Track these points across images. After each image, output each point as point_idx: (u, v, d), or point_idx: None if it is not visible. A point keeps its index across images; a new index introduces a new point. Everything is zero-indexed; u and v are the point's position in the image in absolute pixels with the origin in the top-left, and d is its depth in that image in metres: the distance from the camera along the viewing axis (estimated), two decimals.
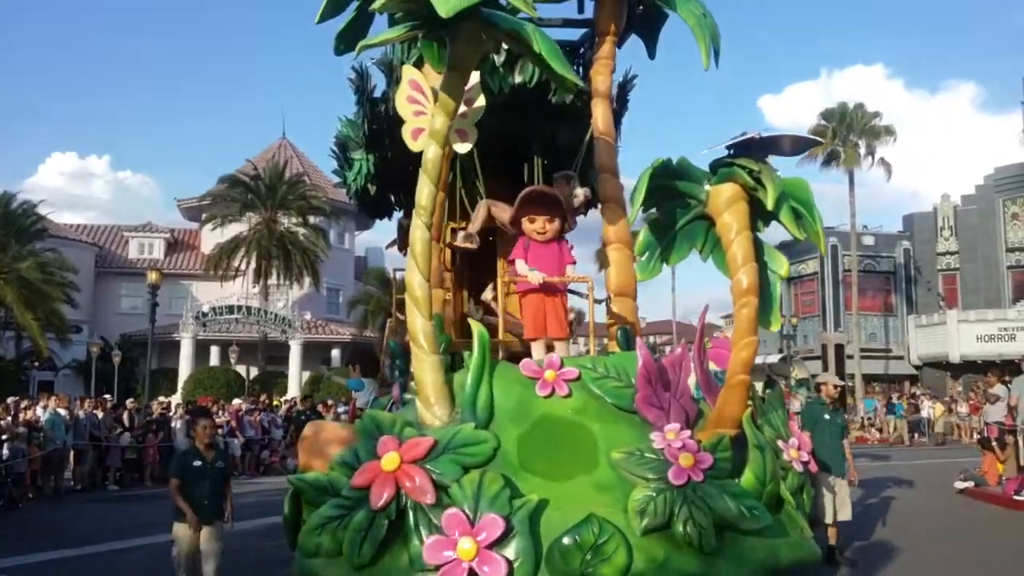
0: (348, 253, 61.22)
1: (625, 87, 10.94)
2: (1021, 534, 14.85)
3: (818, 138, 8.92)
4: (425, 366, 6.65)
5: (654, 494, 5.97)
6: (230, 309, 47.63)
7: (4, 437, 19.40)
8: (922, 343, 55.32)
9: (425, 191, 6.74)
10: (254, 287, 48.21)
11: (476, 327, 6.88)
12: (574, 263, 8.03)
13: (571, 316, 9.20)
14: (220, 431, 23.07)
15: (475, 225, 10.01)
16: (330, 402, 32.04)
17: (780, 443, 7.03)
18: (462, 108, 7.48)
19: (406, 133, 8.05)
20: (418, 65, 8.70)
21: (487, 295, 10.74)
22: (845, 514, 12.02)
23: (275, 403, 35.85)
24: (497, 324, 8.44)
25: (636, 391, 6.62)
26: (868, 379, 53.37)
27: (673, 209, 7.07)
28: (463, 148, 8.46)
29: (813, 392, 30.66)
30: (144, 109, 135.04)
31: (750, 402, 6.76)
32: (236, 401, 31.45)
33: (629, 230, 8.52)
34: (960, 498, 19.01)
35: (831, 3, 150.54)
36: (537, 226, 7.85)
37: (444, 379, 6.69)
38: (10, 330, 42.77)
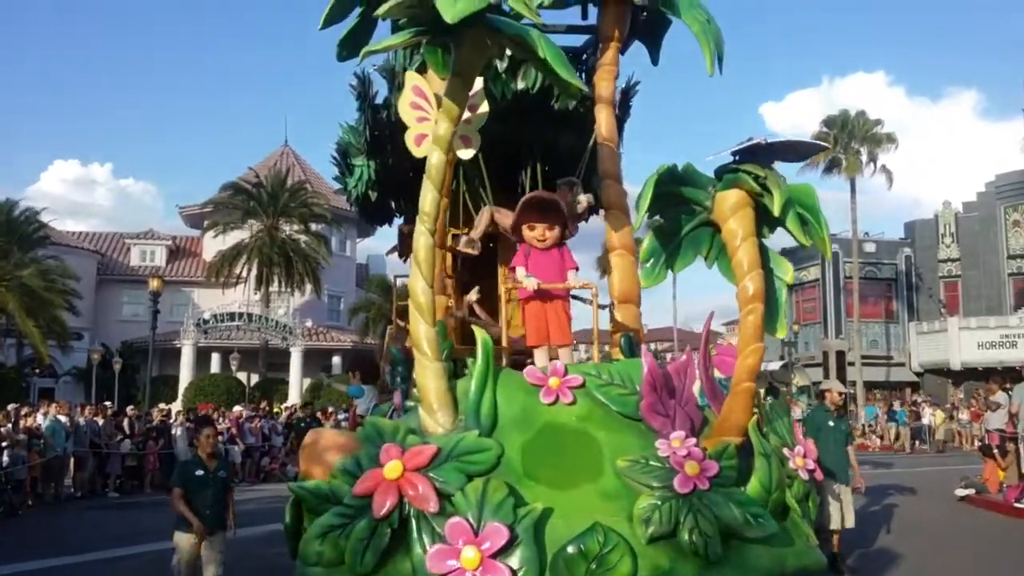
0: (349, 260, 61.31)
1: (628, 93, 10.93)
2: (1022, 542, 14.83)
3: (823, 144, 8.89)
4: (428, 373, 6.60)
5: (659, 502, 5.92)
6: (231, 316, 47.74)
7: (4, 444, 19.41)
8: (923, 350, 55.32)
9: (429, 197, 6.71)
10: (255, 294, 48.30)
11: (480, 333, 6.84)
12: (576, 269, 7.99)
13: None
14: (220, 438, 23.02)
15: (478, 230, 9.98)
16: (331, 409, 32.04)
17: (786, 451, 6.99)
18: (466, 114, 7.45)
19: (409, 139, 8.03)
20: (421, 71, 8.66)
21: (471, 297, 10.72)
22: (849, 521, 12.02)
23: (276, 410, 35.89)
24: (481, 327, 8.42)
25: (641, 398, 6.58)
26: (869, 386, 53.35)
27: (678, 215, 7.04)
28: (467, 154, 8.44)
29: (814, 399, 30.78)
30: (146, 117, 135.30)
31: (755, 410, 6.72)
32: (237, 408, 31.50)
33: (632, 236, 8.50)
34: (961, 505, 19.03)
35: (832, 10, 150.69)
36: (537, 233, 7.82)
37: (447, 386, 6.65)
38: (11, 337, 42.81)
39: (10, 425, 20.40)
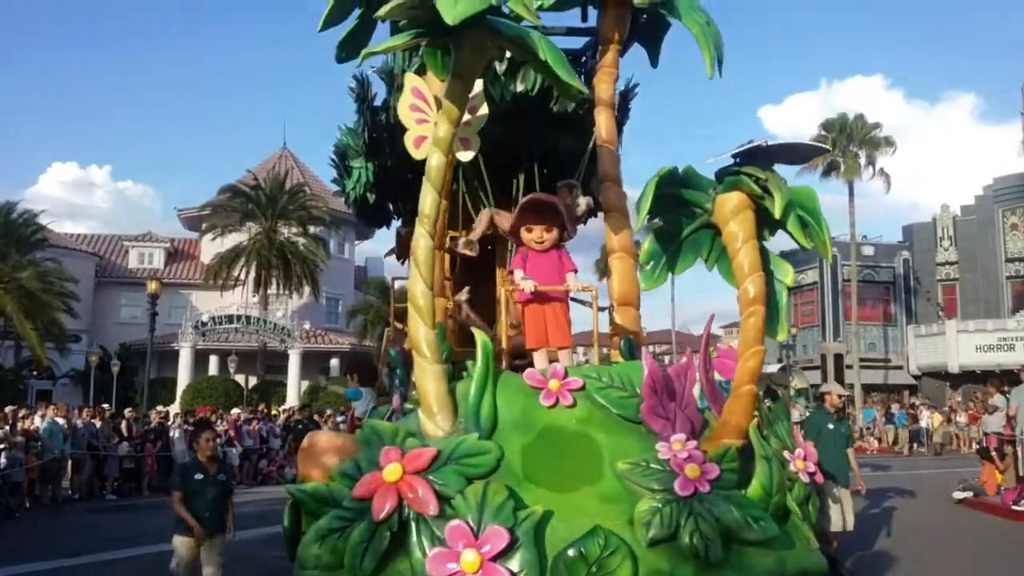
0: (348, 263, 61.36)
1: (626, 96, 10.93)
2: (1020, 544, 14.84)
3: (824, 146, 8.86)
4: (428, 375, 6.58)
5: (660, 505, 5.89)
6: (229, 319, 47.79)
7: (2, 446, 19.41)
8: (921, 353, 55.42)
9: (428, 199, 6.69)
10: (253, 296, 48.34)
11: (480, 336, 6.82)
12: (575, 271, 7.97)
13: None
14: (218, 440, 23.02)
15: (476, 232, 9.97)
16: (328, 411, 32.04)
17: (786, 454, 6.98)
18: (465, 116, 7.44)
19: (408, 141, 8.00)
20: (420, 73, 8.64)
21: (461, 297, 10.72)
22: (849, 524, 12.03)
23: (274, 412, 35.88)
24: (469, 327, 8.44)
25: (641, 401, 6.56)
26: (867, 389, 53.43)
27: (679, 218, 7.02)
28: (466, 156, 8.42)
29: (812, 402, 30.85)
30: (145, 119, 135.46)
31: (756, 412, 6.70)
32: (235, 410, 31.49)
33: (632, 239, 8.48)
34: (959, 508, 19.08)
35: (831, 14, 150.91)
36: (534, 236, 7.80)
37: (447, 389, 6.63)
38: (9, 339, 42.85)
39: (8, 427, 20.38)
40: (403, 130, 8.20)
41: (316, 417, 31.01)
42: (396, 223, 13.49)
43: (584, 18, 9.46)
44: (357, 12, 6.39)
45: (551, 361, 7.56)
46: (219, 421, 27.86)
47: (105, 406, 29.96)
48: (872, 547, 13.83)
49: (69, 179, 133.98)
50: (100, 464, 24.19)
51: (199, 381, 47.29)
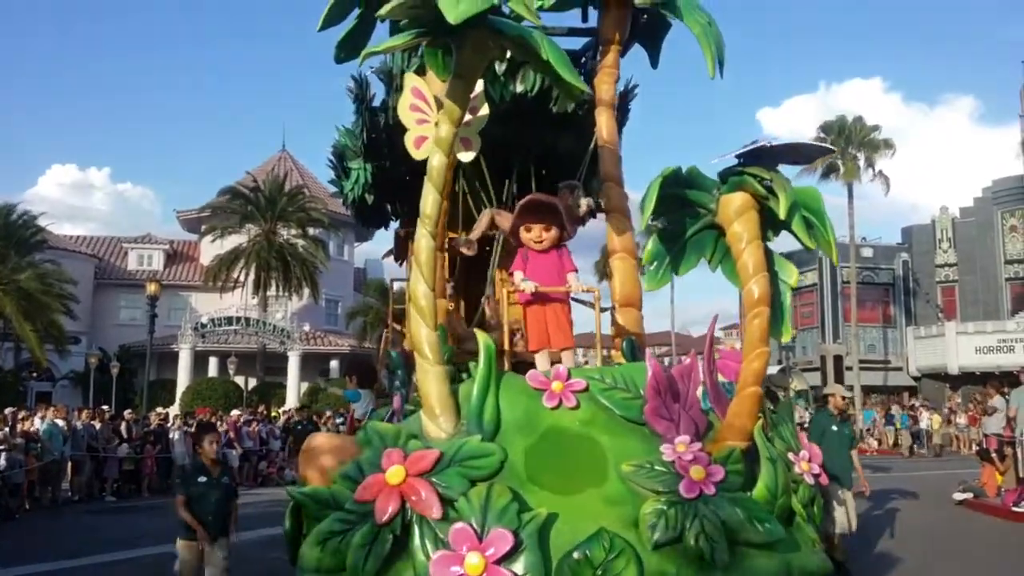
0: (347, 264, 61.41)
1: (626, 96, 10.90)
2: (1021, 546, 14.84)
3: (829, 146, 8.83)
4: (430, 377, 6.54)
5: (665, 507, 5.85)
6: (229, 320, 47.84)
7: (2, 448, 19.42)
8: (921, 354, 55.48)
9: (430, 200, 6.65)
10: (253, 298, 48.38)
11: (482, 337, 6.78)
12: (575, 271, 7.94)
13: None
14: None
15: (476, 232, 9.95)
16: (328, 413, 32.03)
17: (791, 455, 6.94)
18: (466, 116, 7.41)
19: (409, 141, 7.97)
20: (419, 73, 8.62)
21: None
22: (852, 525, 12.03)
23: (273, 414, 35.86)
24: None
25: (645, 402, 6.52)
26: (867, 390, 53.45)
27: (682, 218, 6.97)
28: (467, 157, 8.39)
29: (812, 403, 30.86)
30: (144, 121, 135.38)
31: (760, 414, 6.66)
32: (234, 412, 31.45)
33: (634, 240, 8.46)
34: (959, 509, 19.10)
35: (829, 17, 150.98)
36: (533, 235, 7.76)
37: (449, 390, 6.59)
38: (9, 341, 42.86)
39: (7, 429, 20.38)
40: (402, 131, 8.18)
41: (315, 418, 31.02)
42: (394, 224, 13.47)
43: (585, 18, 9.42)
44: (356, 12, 6.35)
45: (553, 363, 7.54)
46: (219, 423, 27.81)
47: (105, 408, 29.95)
48: (873, 548, 13.83)
49: (68, 181, 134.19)
50: (100, 466, 24.17)
51: (199, 383, 47.30)
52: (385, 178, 11.54)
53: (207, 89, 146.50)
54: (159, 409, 34.94)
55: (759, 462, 6.45)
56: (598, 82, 8.62)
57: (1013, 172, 55.85)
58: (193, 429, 26.38)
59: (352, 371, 12.31)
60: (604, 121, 8.53)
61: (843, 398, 13.45)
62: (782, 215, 6.30)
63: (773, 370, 18.47)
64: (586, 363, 8.44)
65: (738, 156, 6.60)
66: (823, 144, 10.57)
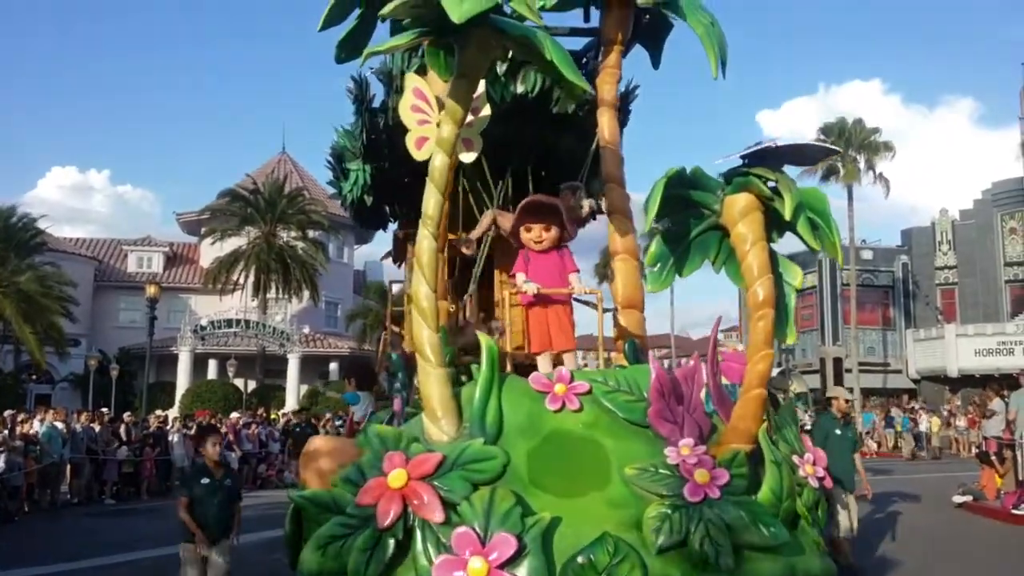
0: (347, 267, 61.42)
1: (627, 97, 10.87)
2: (1020, 548, 14.83)
3: (834, 147, 8.77)
4: (432, 379, 6.49)
5: (669, 511, 5.80)
6: (228, 323, 47.85)
7: (1, 450, 19.35)
8: (920, 357, 55.47)
9: (432, 201, 6.59)
10: (253, 301, 48.36)
11: (484, 340, 6.74)
12: (577, 271, 7.92)
13: None
14: None
15: (477, 231, 9.92)
16: (328, 415, 32.01)
17: (795, 458, 6.90)
18: (468, 117, 7.37)
19: (410, 142, 7.93)
20: (420, 73, 8.58)
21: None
22: (853, 528, 12.04)
23: (273, 416, 35.86)
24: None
25: (648, 405, 6.48)
26: (866, 393, 53.44)
27: (686, 219, 6.93)
28: (468, 157, 8.35)
29: (812, 406, 30.83)
30: (144, 123, 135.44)
31: (765, 417, 6.62)
32: (234, 415, 31.43)
33: (636, 241, 8.41)
34: (959, 512, 19.10)
35: (829, 18, 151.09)
36: (533, 235, 7.73)
37: (451, 393, 6.53)
38: (8, 343, 42.83)
39: (7, 431, 20.35)
40: (402, 132, 8.14)
41: (313, 421, 31.00)
42: (393, 226, 13.45)
43: (587, 18, 9.39)
44: (357, 12, 6.32)
45: (555, 365, 7.50)
46: (218, 425, 27.80)
47: (104, 410, 29.90)
48: (873, 550, 13.81)
49: (68, 183, 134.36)
50: (99, 468, 24.16)
51: (198, 385, 47.30)
52: (384, 179, 11.52)
53: (207, 89, 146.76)
54: (158, 412, 34.97)
55: (763, 465, 6.41)
56: (600, 82, 8.57)
57: (1013, 174, 55.88)
58: (193, 432, 26.47)
59: (351, 373, 12.28)
60: (606, 122, 8.48)
61: (846, 401, 13.43)
62: (788, 216, 6.26)
63: (773, 373, 18.51)
64: (584, 365, 8.36)
65: (742, 157, 6.56)
66: (828, 145, 10.49)
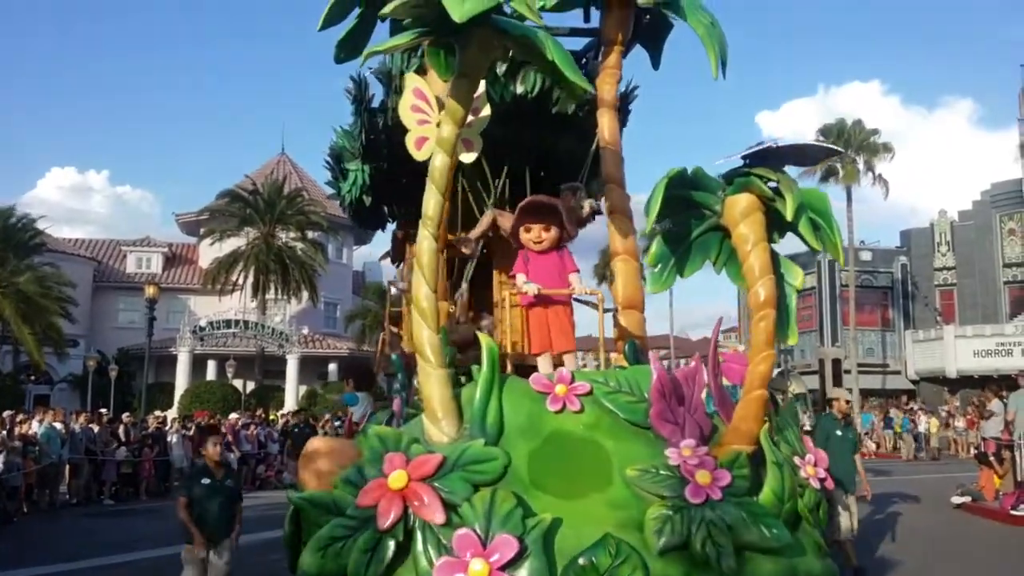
0: (346, 268, 61.38)
1: (626, 98, 10.85)
2: (1019, 549, 14.84)
3: (836, 147, 8.73)
4: (432, 380, 6.46)
5: (671, 512, 5.78)
6: (227, 323, 47.82)
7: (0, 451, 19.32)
8: (919, 358, 55.48)
9: (432, 201, 6.57)
10: (252, 301, 48.34)
11: (484, 340, 6.71)
12: (577, 271, 7.91)
13: None
14: None
15: (476, 231, 9.90)
16: (327, 416, 32.00)
17: (796, 459, 6.88)
18: (468, 117, 7.35)
19: (410, 142, 7.91)
20: (419, 73, 8.56)
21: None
22: (853, 529, 12.05)
23: (272, 417, 35.83)
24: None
25: (649, 406, 6.45)
26: (865, 394, 53.42)
27: (687, 220, 6.91)
28: (468, 158, 8.33)
29: (809, 407, 30.83)
30: (143, 124, 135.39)
31: (766, 418, 6.60)
32: (232, 415, 31.38)
33: (636, 241, 8.40)
34: (957, 513, 19.11)
35: (829, 19, 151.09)
36: (532, 235, 7.72)
37: (452, 394, 6.51)
38: (7, 344, 42.79)
39: (5, 432, 20.34)
40: (400, 132, 8.12)
41: (312, 422, 30.98)
42: (391, 226, 13.42)
43: (587, 19, 9.38)
44: (357, 12, 6.30)
45: (555, 366, 7.48)
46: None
47: (103, 411, 29.83)
48: (872, 551, 13.81)
49: (67, 184, 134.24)
50: (98, 469, 24.14)
51: (197, 386, 47.25)
52: (383, 179, 11.49)
53: (207, 89, 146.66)
54: (157, 412, 34.93)
55: (765, 466, 6.40)
56: (600, 83, 8.56)
57: (1012, 176, 55.93)
58: (192, 432, 26.51)
59: (349, 374, 12.28)
60: (606, 122, 8.48)
61: (847, 402, 13.44)
62: (789, 217, 6.25)
63: (772, 374, 18.53)
64: (583, 366, 8.33)
65: (744, 157, 6.55)
66: (829, 145, 10.47)
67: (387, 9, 5.66)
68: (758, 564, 5.91)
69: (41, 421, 22.80)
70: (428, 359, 6.49)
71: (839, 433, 12.33)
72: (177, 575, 9.22)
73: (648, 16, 8.84)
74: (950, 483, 21.68)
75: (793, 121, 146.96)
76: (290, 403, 46.17)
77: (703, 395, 6.73)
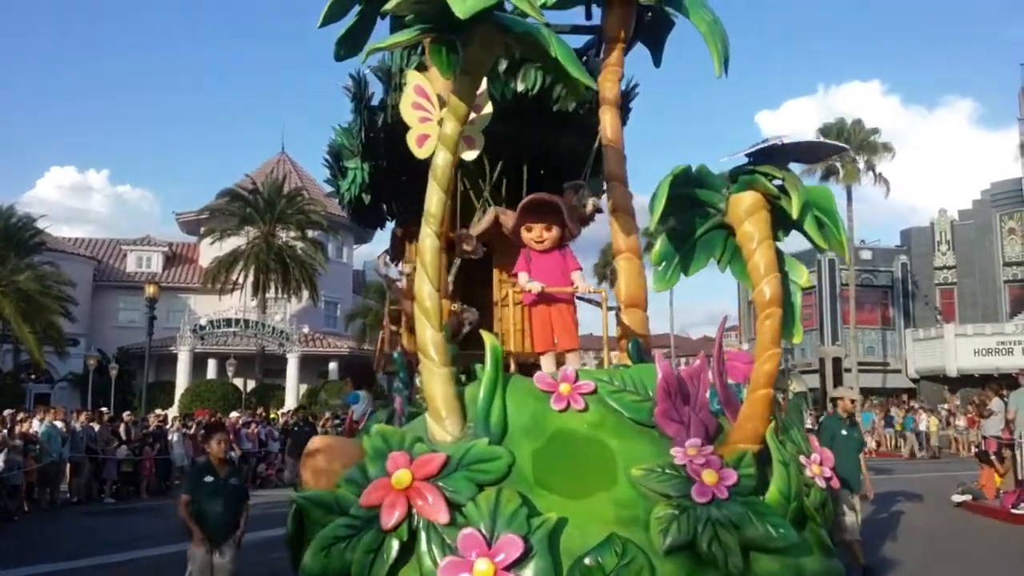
0: (346, 266, 61.47)
1: (627, 96, 10.81)
2: (1019, 547, 14.85)
3: (842, 145, 8.69)
4: (436, 379, 6.40)
5: (677, 512, 5.73)
6: (228, 322, 47.88)
7: (0, 449, 19.32)
8: (920, 357, 55.54)
9: (435, 198, 6.52)
10: (252, 300, 48.39)
11: (488, 338, 6.68)
12: (580, 269, 7.89)
13: None
14: None
15: (478, 228, 9.86)
16: (327, 415, 32.02)
17: (802, 458, 6.84)
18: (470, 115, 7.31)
19: (411, 140, 7.86)
20: (419, 71, 8.52)
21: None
22: (857, 529, 12.03)
23: (272, 416, 35.86)
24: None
25: (654, 405, 6.41)
26: (865, 392, 53.44)
27: (692, 218, 6.87)
28: (470, 155, 8.29)
29: (810, 405, 30.81)
30: (143, 123, 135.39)
31: (772, 417, 6.56)
32: (233, 414, 31.42)
33: (639, 240, 8.37)
34: (958, 511, 19.13)
35: (829, 18, 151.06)
36: (534, 235, 7.71)
37: (455, 392, 6.47)
38: (7, 343, 42.85)
39: (6, 431, 20.35)
40: (400, 130, 8.08)
41: (311, 420, 30.99)
42: (391, 224, 13.39)
43: (588, 16, 9.34)
44: (357, 8, 6.27)
45: (558, 364, 7.46)
46: None
47: (103, 410, 29.87)
48: (872, 550, 13.78)
49: (67, 183, 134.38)
50: (98, 468, 24.17)
51: (197, 385, 47.30)
52: (382, 178, 11.44)
53: (207, 89, 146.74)
54: (158, 411, 34.97)
55: (771, 465, 6.36)
56: (602, 80, 8.51)
57: (1012, 175, 55.99)
58: (193, 431, 26.54)
59: (348, 373, 12.26)
60: (608, 120, 8.43)
61: (852, 401, 13.42)
62: (795, 214, 6.20)
63: None
64: (583, 365, 8.29)
65: (748, 155, 6.51)
66: (835, 142, 10.42)
67: (389, 6, 5.62)
68: (764, 563, 5.87)
69: (42, 420, 22.83)
70: (432, 357, 6.44)
71: (844, 433, 12.29)
72: (178, 573, 9.18)
73: (650, 13, 8.79)
74: (951, 482, 21.68)
75: (793, 120, 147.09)
76: (290, 402, 46.23)
77: (708, 394, 6.69)
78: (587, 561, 5.40)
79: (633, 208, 8.33)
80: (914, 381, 56.39)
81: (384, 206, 12.97)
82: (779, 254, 6.67)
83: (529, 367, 7.87)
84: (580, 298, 8.37)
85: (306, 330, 51.72)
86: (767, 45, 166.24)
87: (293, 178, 57.30)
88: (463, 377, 6.99)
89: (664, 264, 6.88)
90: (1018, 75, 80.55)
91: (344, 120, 11.73)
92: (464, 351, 8.46)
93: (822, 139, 10.22)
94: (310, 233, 50.51)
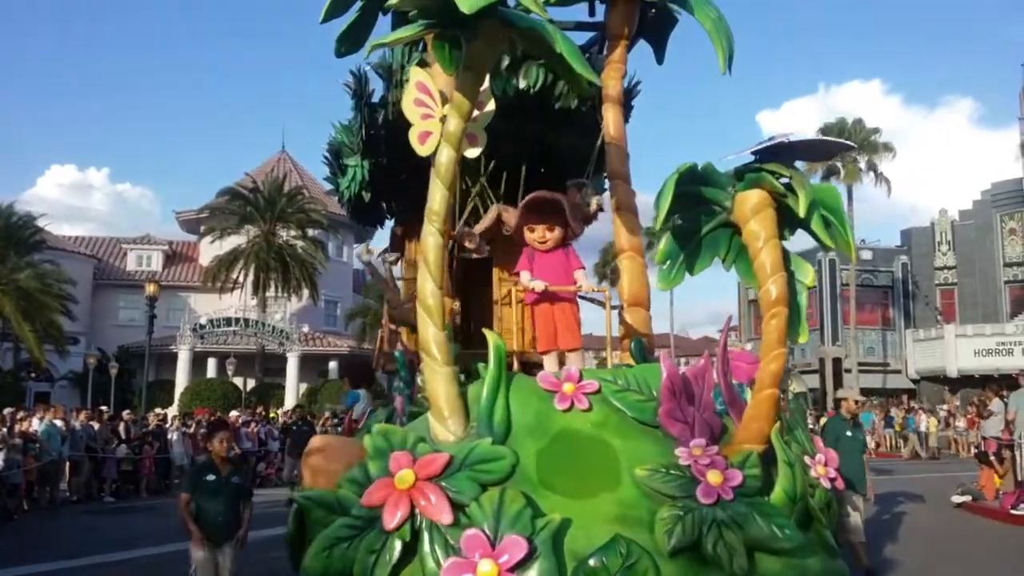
0: (346, 266, 61.44)
1: (630, 93, 10.77)
2: (1019, 548, 14.84)
3: (848, 143, 8.65)
4: (438, 378, 6.35)
5: (682, 513, 5.67)
6: (228, 321, 47.90)
7: (0, 448, 19.30)
8: (920, 357, 55.56)
9: (438, 196, 6.47)
10: (252, 299, 48.41)
11: (491, 337, 6.62)
12: (583, 268, 7.86)
13: None
14: None
15: (480, 226, 9.82)
16: (327, 414, 32.00)
17: (806, 459, 6.79)
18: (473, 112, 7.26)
19: (413, 137, 7.82)
20: (420, 67, 8.47)
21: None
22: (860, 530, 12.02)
23: (272, 415, 35.84)
24: None
25: (659, 404, 6.36)
26: (866, 393, 53.36)
27: (697, 216, 6.81)
28: (473, 153, 8.24)
29: (810, 406, 30.77)
30: (144, 122, 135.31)
31: (777, 417, 6.51)
32: (233, 413, 31.42)
33: (642, 238, 8.33)
34: (958, 512, 19.13)
35: (829, 18, 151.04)
36: (537, 235, 7.69)
37: (458, 391, 6.41)
38: (8, 341, 42.87)
39: (6, 429, 20.32)
40: (401, 127, 8.03)
41: (309, 418, 30.97)
42: (390, 222, 13.34)
43: (592, 12, 9.30)
44: (358, 5, 6.22)
45: (561, 364, 7.42)
46: None
47: (103, 408, 29.88)
48: (873, 551, 13.75)
49: (67, 181, 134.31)
50: (98, 466, 24.16)
51: (197, 383, 47.29)
52: (382, 175, 11.39)
53: (207, 89, 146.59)
54: (158, 410, 34.94)
55: (776, 466, 6.31)
56: (605, 77, 8.47)
57: (1012, 175, 55.97)
58: (191, 430, 26.52)
59: (346, 373, 12.23)
60: (611, 117, 8.39)
61: (856, 402, 13.39)
62: (802, 213, 6.15)
63: None
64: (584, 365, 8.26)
65: (754, 152, 6.46)
66: (842, 140, 10.39)
67: (392, 1, 5.59)
68: (769, 564, 5.83)
69: (42, 418, 22.82)
70: (434, 356, 6.39)
71: (848, 434, 12.28)
72: (178, 572, 9.13)
73: (653, 10, 8.76)
74: (950, 482, 21.69)
75: (794, 120, 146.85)
76: (290, 401, 46.21)
77: (712, 393, 6.64)
78: (591, 562, 5.35)
79: (636, 206, 8.29)
80: (914, 382, 56.39)
81: (384, 204, 12.91)
82: (785, 253, 6.62)
83: (531, 366, 7.83)
84: (583, 297, 8.34)
85: (306, 329, 51.73)
86: (768, 45, 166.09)
87: (293, 177, 57.28)
88: (462, 377, 6.95)
89: (669, 263, 6.82)
90: (1018, 75, 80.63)
91: (344, 118, 11.68)
92: (466, 351, 8.42)
93: (828, 137, 10.21)
94: (310, 232, 50.53)
